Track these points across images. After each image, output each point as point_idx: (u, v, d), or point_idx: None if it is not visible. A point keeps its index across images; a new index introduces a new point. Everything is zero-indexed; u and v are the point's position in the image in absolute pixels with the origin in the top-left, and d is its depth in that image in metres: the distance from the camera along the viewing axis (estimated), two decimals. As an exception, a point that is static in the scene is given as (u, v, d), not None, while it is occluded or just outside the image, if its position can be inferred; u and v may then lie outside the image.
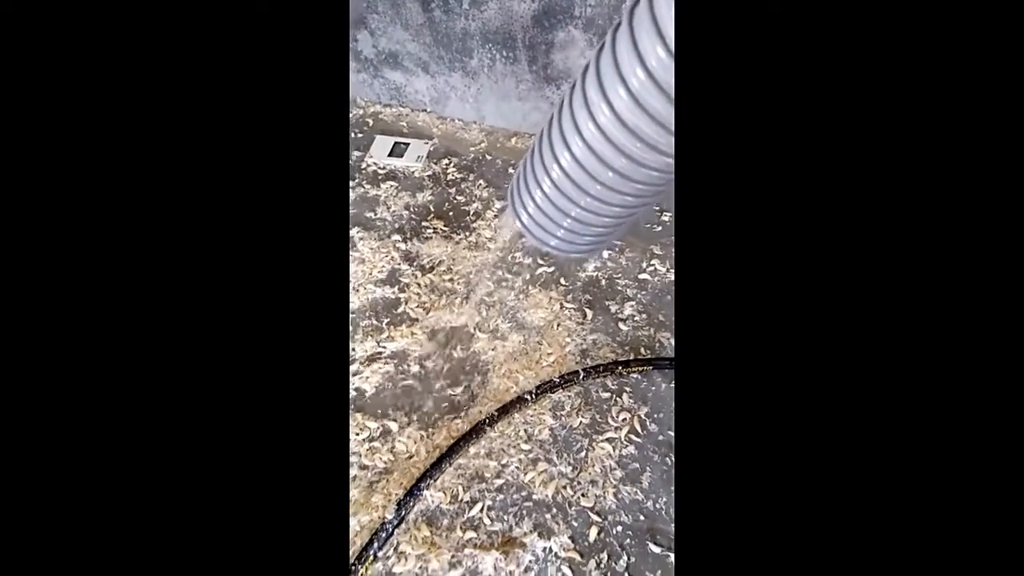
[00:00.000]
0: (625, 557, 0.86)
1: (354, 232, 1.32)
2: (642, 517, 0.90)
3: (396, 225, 1.35)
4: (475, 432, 0.98)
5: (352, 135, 1.57)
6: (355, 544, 0.86)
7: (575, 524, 0.89)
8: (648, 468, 0.95)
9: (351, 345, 1.12)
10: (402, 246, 1.30)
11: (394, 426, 1.00)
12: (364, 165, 1.49)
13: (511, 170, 1.48)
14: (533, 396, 1.03)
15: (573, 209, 0.70)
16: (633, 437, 0.99)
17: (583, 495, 0.92)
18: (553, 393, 1.04)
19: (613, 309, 1.18)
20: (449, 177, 1.46)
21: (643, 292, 1.22)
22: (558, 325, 1.15)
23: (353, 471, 0.95)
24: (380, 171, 1.48)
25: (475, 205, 1.39)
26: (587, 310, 1.18)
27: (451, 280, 1.24)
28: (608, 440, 0.99)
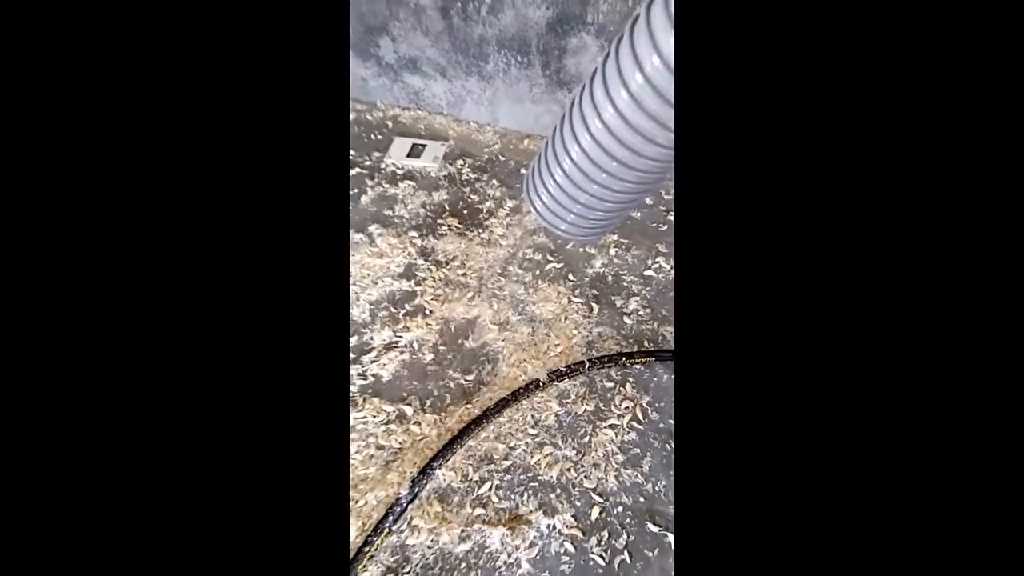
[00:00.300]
0: (625, 535, 0.91)
1: (373, 228, 1.40)
2: (642, 499, 0.95)
3: (413, 222, 1.42)
4: (485, 416, 1.04)
5: (372, 137, 1.65)
6: (371, 518, 0.92)
7: (578, 504, 0.94)
8: (648, 453, 1.00)
9: (370, 335, 1.19)
10: (418, 242, 1.36)
11: (409, 410, 1.07)
12: (383, 165, 1.56)
13: (523, 170, 1.54)
14: (542, 384, 1.08)
15: (582, 196, 0.76)
16: (635, 424, 1.04)
17: (586, 477, 0.97)
18: (559, 382, 1.10)
19: (618, 304, 1.23)
20: (464, 177, 1.52)
21: (647, 288, 1.27)
22: (565, 318, 1.21)
23: (370, 451, 1.01)
24: (398, 171, 1.55)
25: (488, 204, 1.45)
26: (593, 304, 1.23)
27: (464, 275, 1.30)
28: (611, 427, 1.04)
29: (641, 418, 1.05)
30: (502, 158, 1.57)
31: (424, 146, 1.60)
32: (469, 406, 1.07)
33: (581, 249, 1.35)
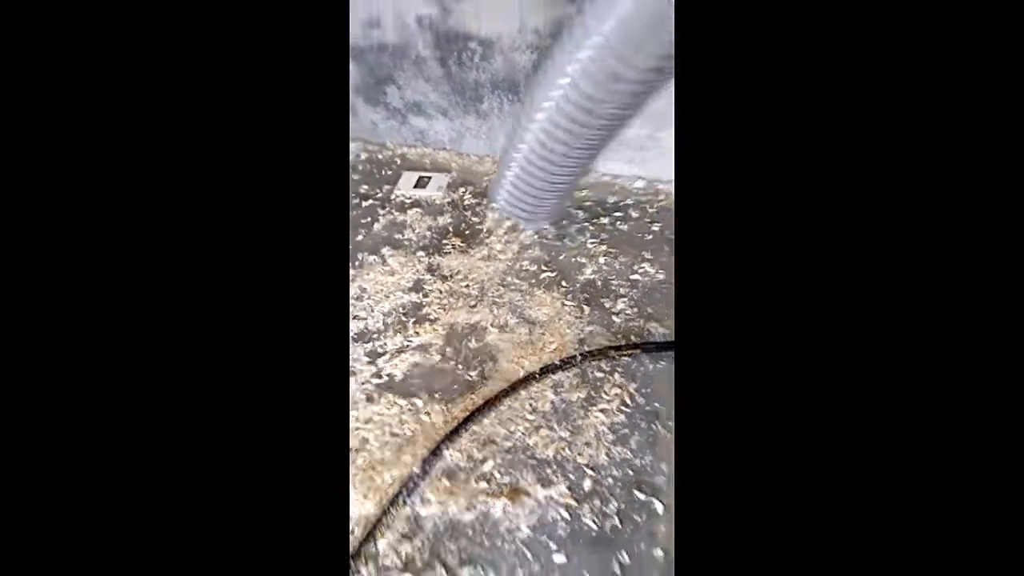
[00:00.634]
0: (615, 503, 1.01)
1: (385, 250, 1.57)
2: (630, 472, 1.05)
3: (420, 243, 1.59)
4: (487, 405, 1.17)
5: (383, 173, 1.85)
6: (387, 493, 1.04)
7: (572, 477, 1.05)
8: (636, 433, 1.11)
9: (383, 340, 1.34)
10: (425, 260, 1.53)
11: (419, 402, 1.20)
12: (393, 196, 1.76)
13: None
14: (538, 376, 1.21)
15: (530, 185, 0.95)
16: (623, 408, 1.15)
17: (579, 454, 1.08)
18: (554, 374, 1.22)
19: (608, 305, 1.37)
20: (466, 202, 1.71)
21: (634, 290, 1.40)
22: (559, 319, 1.35)
23: (386, 438, 1.14)
24: (407, 201, 1.74)
25: (488, 224, 1.62)
26: (585, 307, 1.37)
27: (467, 286, 1.45)
28: (601, 410, 1.15)
29: (629, 402, 1.17)
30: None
31: (429, 178, 1.80)
32: (473, 396, 1.20)
33: (573, 259, 1.50)
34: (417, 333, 1.35)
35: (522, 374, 1.23)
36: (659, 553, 0.95)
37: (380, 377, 1.27)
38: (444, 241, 1.59)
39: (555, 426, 1.14)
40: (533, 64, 1.57)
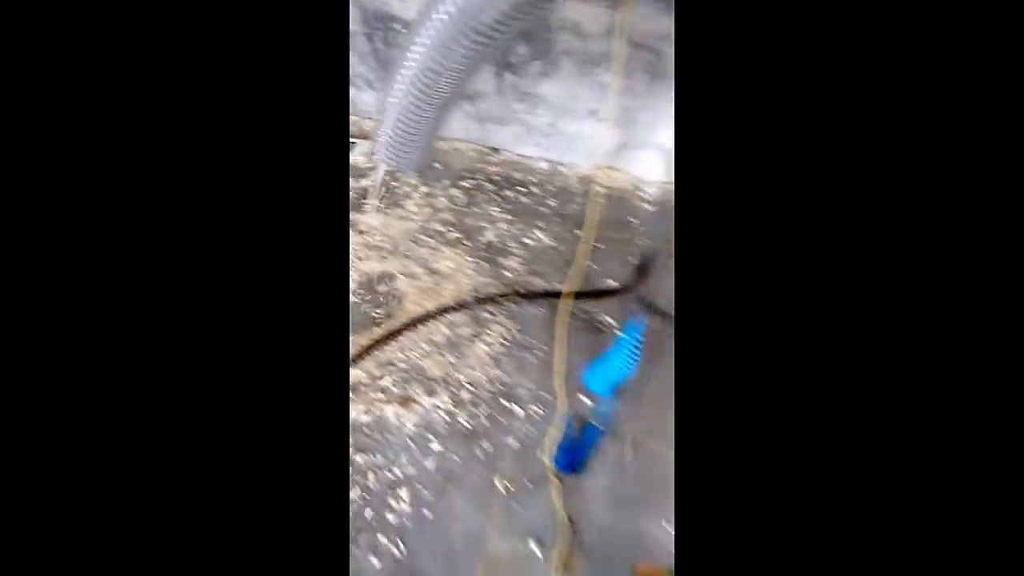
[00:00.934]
0: (485, 407, 1.28)
1: (309, 206, 1.75)
2: (500, 386, 1.33)
3: (343, 202, 1.78)
4: (389, 336, 1.40)
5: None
6: (298, 401, 1.26)
7: (454, 390, 1.32)
8: (510, 359, 1.39)
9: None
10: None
11: (331, 332, 1.42)
12: (320, 158, 1.92)
13: (436, 164, 1.94)
14: (435, 315, 1.46)
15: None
16: (503, 341, 1.43)
17: (461, 375, 1.35)
18: (449, 314, 1.48)
19: (502, 262, 1.64)
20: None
21: (526, 252, 1.68)
22: (460, 272, 1.60)
23: (299, 359, 1.35)
24: (333, 163, 1.91)
25: (405, 188, 1.84)
26: (482, 263, 1.63)
27: (381, 241, 1.67)
28: (485, 343, 1.42)
29: (508, 338, 1.44)
30: (420, 155, 1.97)
31: (354, 143, 1.98)
32: (377, 329, 1.43)
33: (477, 223, 1.75)
34: (333, 277, 1.56)
35: (421, 313, 1.48)
36: (514, 443, 1.24)
37: (297, 311, 1.46)
38: (362, 202, 1.79)
39: (445, 353, 1.40)
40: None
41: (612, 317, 1.52)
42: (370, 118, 2.11)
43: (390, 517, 1.13)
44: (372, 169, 1.89)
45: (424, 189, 1.86)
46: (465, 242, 1.69)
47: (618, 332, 1.42)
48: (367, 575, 1.06)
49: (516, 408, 1.30)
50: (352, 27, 1.85)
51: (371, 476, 1.18)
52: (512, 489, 1.17)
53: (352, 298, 1.51)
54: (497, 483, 1.19)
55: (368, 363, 1.35)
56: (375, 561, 1.07)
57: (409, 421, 1.26)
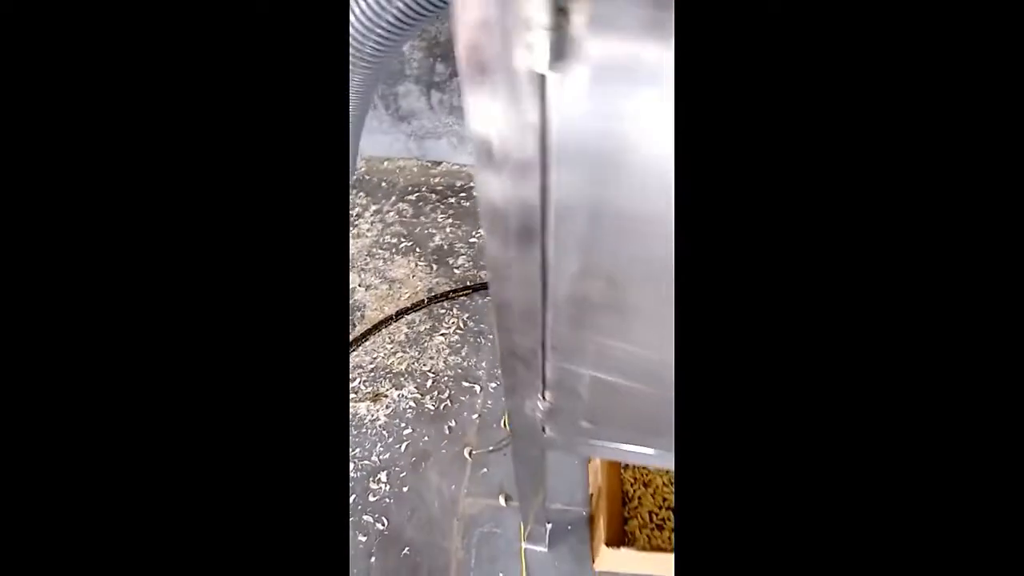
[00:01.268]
0: (448, 391, 1.43)
1: (269, 238, 1.89)
2: (460, 371, 1.48)
3: (300, 230, 1.93)
4: (354, 342, 1.54)
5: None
6: (277, 411, 1.39)
7: (418, 380, 1.46)
8: (466, 347, 1.54)
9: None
10: (304, 242, 1.87)
11: (301, 347, 1.55)
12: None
13: (384, 184, 2.10)
14: (394, 318, 1.61)
15: None
16: (458, 331, 1.58)
17: (423, 364, 1.49)
18: (407, 315, 1.63)
19: (451, 262, 1.80)
20: (338, 194, 2.06)
21: (472, 250, 1.84)
22: (413, 276, 1.75)
23: (274, 374, 1.48)
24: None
25: (357, 209, 1.99)
26: (434, 265, 1.78)
27: (340, 259, 1.82)
28: (442, 335, 1.58)
29: (463, 327, 1.59)
30: (367, 176, 2.12)
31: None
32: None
33: (426, 231, 1.91)
34: (298, 298, 1.70)
35: (382, 317, 1.62)
36: (475, 417, 1.38)
37: (268, 333, 1.60)
38: (320, 226, 1.94)
39: (408, 349, 1.55)
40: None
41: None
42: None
43: (371, 498, 1.26)
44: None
45: (374, 207, 2.01)
46: (416, 249, 1.85)
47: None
48: (356, 550, 1.19)
49: (475, 387, 1.45)
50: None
51: (350, 466, 1.32)
52: (478, 456, 1.32)
53: (318, 315, 1.65)
54: (465, 453, 1.33)
55: (338, 369, 1.50)
56: (361, 537, 1.21)
57: (381, 414, 1.40)
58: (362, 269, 1.79)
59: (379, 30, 1.00)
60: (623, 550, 0.99)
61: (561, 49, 0.36)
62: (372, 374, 1.49)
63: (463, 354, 1.53)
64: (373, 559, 1.18)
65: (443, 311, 1.65)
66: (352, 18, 0.88)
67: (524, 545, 1.17)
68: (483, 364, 1.50)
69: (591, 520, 1.20)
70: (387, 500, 1.26)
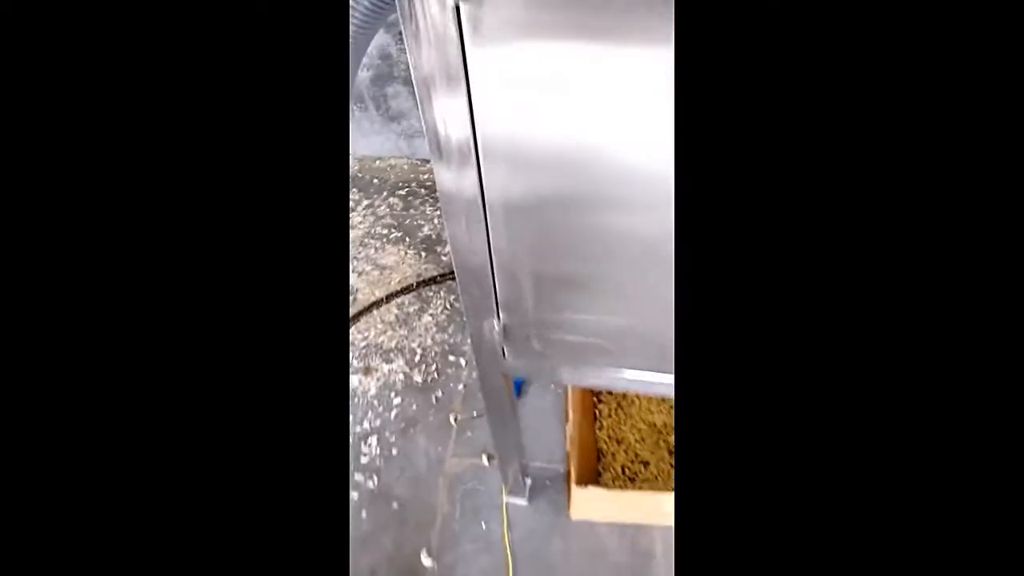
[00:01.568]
0: (435, 364, 1.53)
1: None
2: (447, 347, 1.58)
3: (295, 223, 2.04)
4: (349, 322, 1.64)
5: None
6: (274, 385, 1.49)
7: (407, 356, 1.56)
8: (453, 325, 1.64)
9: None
10: (300, 234, 1.98)
11: (297, 328, 1.65)
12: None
13: (375, 180, 2.22)
14: (385, 300, 1.71)
15: None
16: (445, 311, 1.68)
17: (412, 341, 1.59)
18: (398, 297, 1.73)
19: (439, 250, 1.90)
20: (332, 190, 2.18)
21: (460, 238, 1.95)
22: (403, 263, 1.86)
23: (271, 352, 1.58)
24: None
25: (351, 204, 2.10)
26: (423, 253, 1.89)
27: (334, 249, 1.93)
28: (430, 315, 1.68)
29: (450, 307, 1.70)
30: (360, 174, 2.24)
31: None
32: (337, 319, 1.67)
33: (415, 222, 2.02)
34: (294, 284, 1.80)
35: (373, 300, 1.72)
36: (461, 387, 1.48)
37: (265, 316, 1.70)
38: (314, 219, 2.05)
39: (397, 328, 1.65)
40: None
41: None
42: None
43: (363, 460, 1.35)
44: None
45: (366, 202, 2.13)
46: (406, 239, 1.96)
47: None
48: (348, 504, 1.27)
49: (461, 360, 1.54)
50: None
51: (345, 435, 1.41)
52: (462, 421, 1.41)
53: (313, 300, 1.75)
54: (451, 419, 1.42)
55: (332, 347, 1.59)
56: (353, 494, 1.29)
57: (372, 385, 1.49)
58: (354, 257, 1.90)
59: None
60: (591, 488, 1.08)
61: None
62: (364, 351, 1.59)
63: (450, 331, 1.63)
64: (364, 514, 1.26)
65: (431, 294, 1.76)
66: None
67: (506, 499, 1.26)
68: (469, 340, 1.60)
69: (567, 475, 1.29)
70: (378, 461, 1.35)
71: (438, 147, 0.61)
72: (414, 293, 1.76)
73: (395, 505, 1.27)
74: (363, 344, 1.61)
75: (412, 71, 0.55)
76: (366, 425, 1.43)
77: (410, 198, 2.14)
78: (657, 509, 1.11)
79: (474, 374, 1.53)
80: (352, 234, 1.99)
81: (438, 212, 2.07)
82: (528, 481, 1.27)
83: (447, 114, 0.58)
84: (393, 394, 1.48)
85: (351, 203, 2.11)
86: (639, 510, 1.14)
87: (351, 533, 1.23)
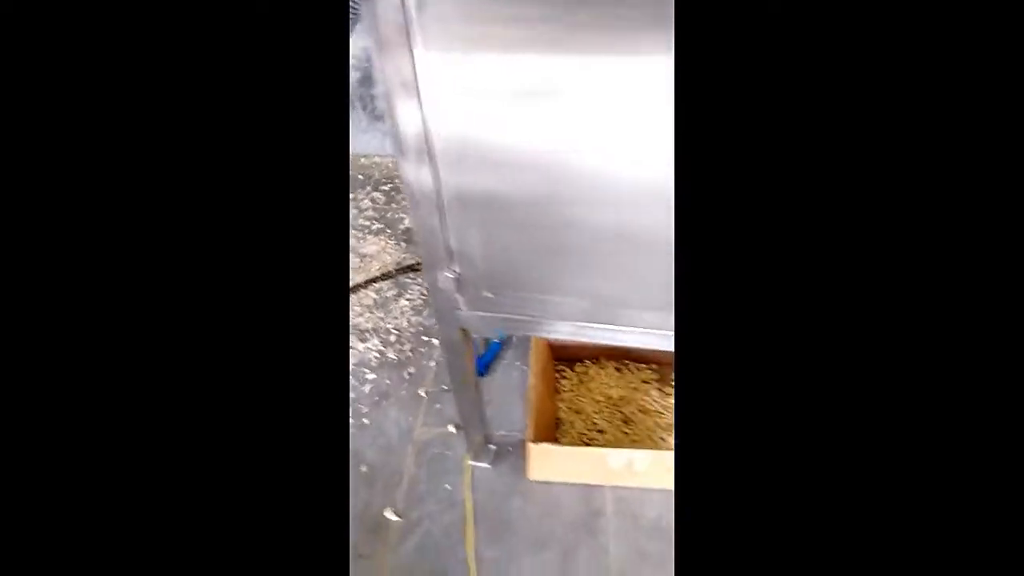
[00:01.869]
0: (410, 344, 1.62)
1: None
2: (421, 328, 1.68)
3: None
4: (327, 304, 1.74)
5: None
6: (254, 361, 1.57)
7: (383, 336, 1.66)
8: (428, 309, 1.74)
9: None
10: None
11: (278, 309, 1.74)
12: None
13: (360, 176, 2.33)
14: (364, 285, 1.80)
15: None
16: (422, 296, 1.78)
17: (388, 323, 1.69)
18: (376, 283, 1.83)
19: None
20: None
21: (438, 231, 2.06)
22: (383, 252, 1.96)
23: (253, 331, 1.67)
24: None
25: (334, 198, 2.21)
26: (403, 243, 2.00)
27: (317, 239, 2.02)
28: (407, 300, 1.78)
29: (426, 292, 1.79)
30: (349, 171, 2.35)
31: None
32: (317, 301, 1.76)
33: (396, 216, 2.13)
34: (277, 270, 1.89)
35: (352, 285, 1.82)
36: (432, 364, 1.57)
37: (249, 299, 1.79)
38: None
39: (375, 311, 1.74)
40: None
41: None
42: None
43: (337, 429, 1.43)
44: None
45: (351, 196, 2.23)
46: (387, 230, 2.06)
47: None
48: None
49: (434, 340, 1.64)
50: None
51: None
52: (432, 394, 1.50)
53: (295, 285, 1.84)
54: (421, 393, 1.51)
55: (311, 327, 1.68)
56: (327, 460, 1.37)
57: (349, 360, 1.58)
58: (337, 247, 2.00)
59: None
60: (543, 445, 1.17)
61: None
62: (342, 331, 1.68)
63: (425, 315, 1.73)
64: (335, 477, 1.34)
65: (409, 280, 1.86)
66: None
67: (470, 463, 1.35)
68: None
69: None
70: (351, 431, 1.43)
71: (400, 144, 0.75)
72: (392, 279, 1.86)
73: (364, 469, 1.35)
74: (341, 325, 1.71)
75: (376, 75, 0.68)
76: (341, 398, 1.51)
77: (393, 193, 2.25)
78: (603, 465, 1.20)
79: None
80: (335, 225, 2.09)
81: (419, 206, 2.18)
82: (492, 447, 1.36)
83: (406, 115, 0.70)
84: (367, 370, 1.57)
85: (336, 197, 2.22)
86: (589, 466, 1.23)
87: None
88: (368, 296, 1.80)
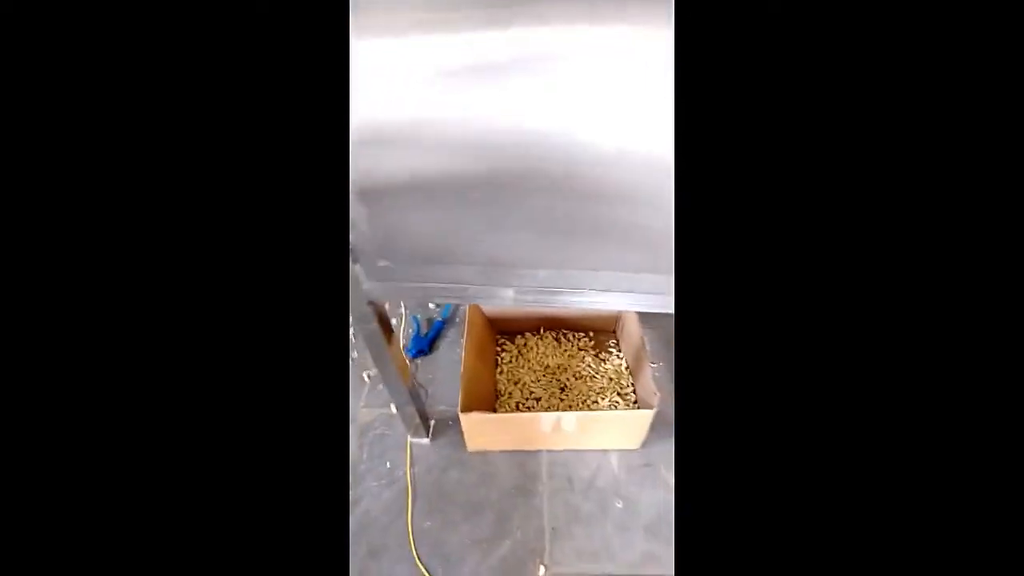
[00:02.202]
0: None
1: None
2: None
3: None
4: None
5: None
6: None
7: (327, 323, 1.67)
8: (373, 294, 1.76)
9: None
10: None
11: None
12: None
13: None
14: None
15: None
16: (366, 283, 1.80)
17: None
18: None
19: (364, 229, 2.02)
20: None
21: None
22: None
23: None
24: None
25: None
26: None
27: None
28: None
29: (371, 280, 1.81)
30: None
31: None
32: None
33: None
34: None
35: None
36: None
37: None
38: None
39: (319, 300, 1.75)
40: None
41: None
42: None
43: (280, 417, 1.45)
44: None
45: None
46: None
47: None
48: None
49: (377, 324, 1.66)
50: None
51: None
52: (374, 377, 1.52)
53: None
54: (364, 376, 1.53)
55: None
56: (270, 447, 1.39)
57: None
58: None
59: None
60: (475, 413, 1.20)
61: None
62: (286, 322, 1.70)
63: (369, 300, 1.75)
64: (278, 463, 1.36)
65: (354, 268, 1.87)
66: None
67: (410, 439, 1.37)
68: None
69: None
70: (293, 418, 1.45)
71: None
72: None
73: (306, 452, 1.38)
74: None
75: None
76: (284, 386, 1.53)
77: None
78: (535, 429, 1.23)
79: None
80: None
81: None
82: (432, 423, 1.39)
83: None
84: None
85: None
86: (521, 432, 1.26)
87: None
88: (313, 286, 1.82)
